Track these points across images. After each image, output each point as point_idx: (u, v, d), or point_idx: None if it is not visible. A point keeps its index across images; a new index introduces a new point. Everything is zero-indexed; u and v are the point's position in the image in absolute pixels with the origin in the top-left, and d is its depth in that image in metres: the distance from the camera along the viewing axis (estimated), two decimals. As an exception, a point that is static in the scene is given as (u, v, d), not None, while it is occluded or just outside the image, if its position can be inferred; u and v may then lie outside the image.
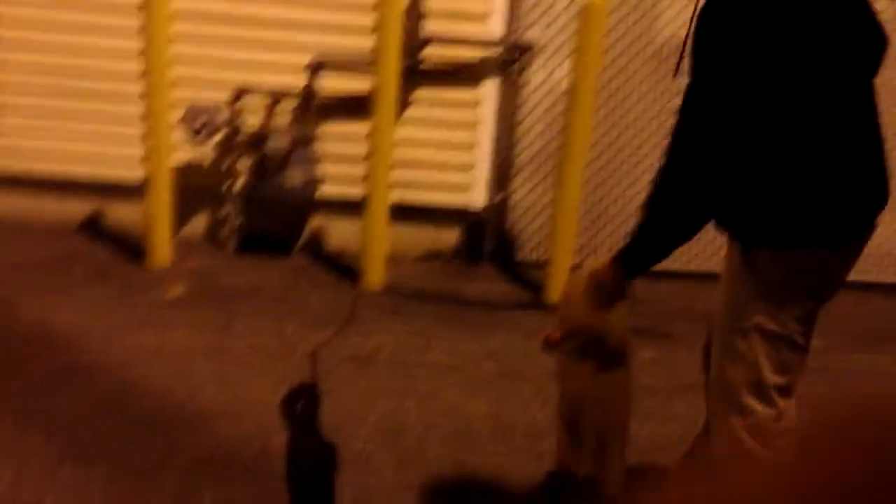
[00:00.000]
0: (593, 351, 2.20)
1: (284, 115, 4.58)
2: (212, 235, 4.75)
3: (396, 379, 3.36)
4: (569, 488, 2.40)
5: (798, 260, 1.92)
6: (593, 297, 2.15)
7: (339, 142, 4.57)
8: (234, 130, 4.52)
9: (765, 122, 1.85)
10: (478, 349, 3.67)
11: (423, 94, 4.57)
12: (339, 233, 4.71)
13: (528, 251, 4.76)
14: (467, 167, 4.69)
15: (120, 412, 2.94)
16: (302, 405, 3.10)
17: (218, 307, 3.91)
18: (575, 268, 4.08)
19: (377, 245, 4.25)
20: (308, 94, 4.53)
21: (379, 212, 4.22)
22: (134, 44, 4.15)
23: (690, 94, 1.89)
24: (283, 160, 4.43)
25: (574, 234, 4.31)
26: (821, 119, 1.85)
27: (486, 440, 2.97)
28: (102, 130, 4.59)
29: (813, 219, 1.91)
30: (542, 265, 4.43)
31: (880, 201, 1.96)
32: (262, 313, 3.89)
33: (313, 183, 4.54)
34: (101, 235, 4.62)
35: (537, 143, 4.63)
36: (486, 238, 4.75)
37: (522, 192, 4.71)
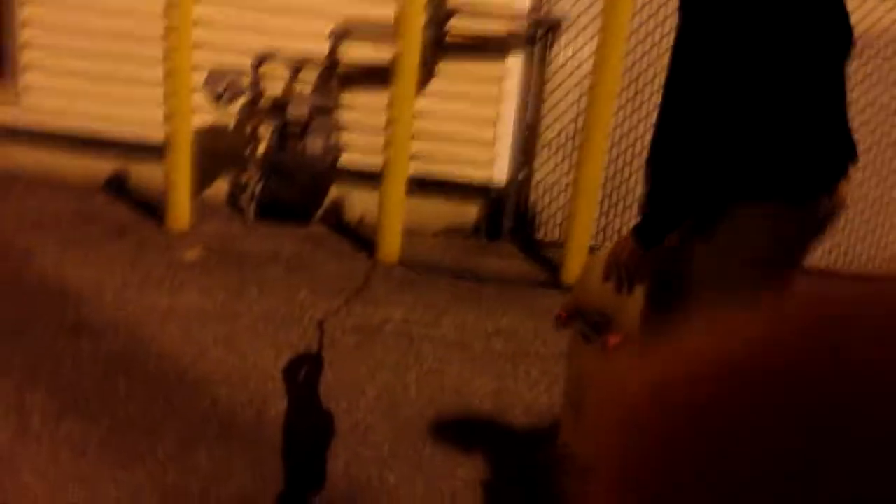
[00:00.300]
0: (602, 332, 2.17)
1: (306, 82, 4.57)
2: (231, 200, 4.77)
3: (401, 352, 3.36)
4: (564, 466, 2.38)
5: (777, 215, 1.92)
6: (611, 276, 2.12)
7: (361, 111, 4.55)
8: (256, 96, 4.52)
9: (747, 84, 1.84)
10: (488, 326, 3.65)
11: (447, 66, 4.53)
12: (358, 203, 4.70)
13: (547, 230, 4.73)
14: (490, 142, 4.65)
15: (125, 370, 2.98)
16: (305, 373, 3.12)
17: (232, 271, 3.93)
18: (594, 248, 4.05)
19: (394, 217, 4.24)
20: (331, 63, 4.51)
21: (397, 183, 4.20)
22: (160, 6, 4.16)
23: (679, 52, 1.89)
24: (304, 128, 4.42)
25: (594, 214, 4.26)
26: (797, 85, 1.87)
27: (485, 417, 2.96)
28: (128, 91, 4.62)
29: (788, 171, 1.92)
30: (560, 245, 4.39)
31: (845, 162, 1.98)
32: (276, 280, 3.91)
33: (334, 151, 4.53)
34: (123, 195, 4.66)
35: (561, 120, 4.57)
36: (505, 215, 4.71)
37: (544, 170, 4.66)
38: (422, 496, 2.50)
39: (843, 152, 1.99)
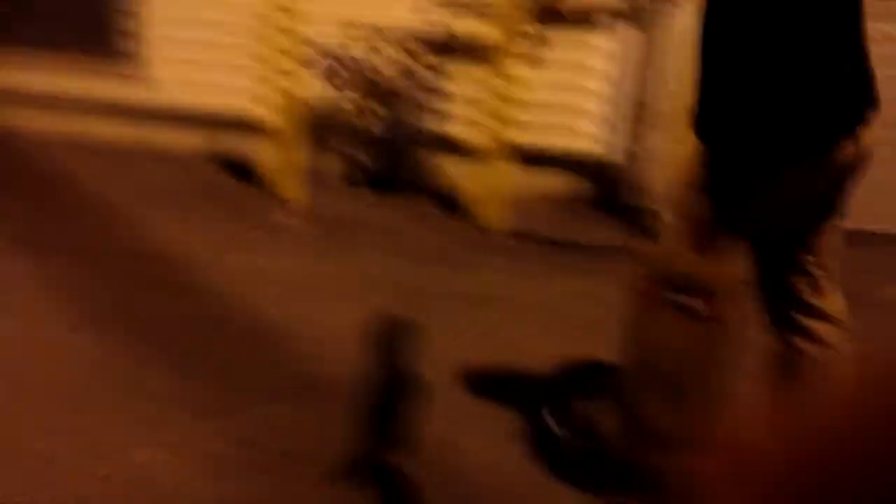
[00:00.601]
0: (694, 299, 2.04)
1: (408, 55, 4.56)
2: (339, 172, 4.82)
3: (495, 319, 3.30)
4: (644, 441, 2.27)
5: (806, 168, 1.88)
6: (690, 240, 2.00)
7: (466, 82, 4.51)
8: (360, 70, 4.55)
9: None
10: (587, 294, 3.54)
11: (556, 36, 4.42)
12: (462, 174, 4.67)
13: (648, 201, 4.55)
14: (597, 114, 4.52)
15: (218, 327, 3.05)
16: (393, 336, 3.10)
17: (331, 238, 3.99)
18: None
19: (497, 187, 4.19)
20: (435, 36, 4.49)
21: (501, 154, 4.16)
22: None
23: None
24: (406, 100, 4.42)
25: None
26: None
27: (569, 373, 2.87)
28: (240, 65, 4.74)
29: (808, 119, 1.84)
30: (658, 216, 4.22)
31: (864, 107, 1.87)
32: (375, 247, 3.93)
33: (439, 123, 4.52)
34: (233, 166, 4.81)
35: (667, 92, 4.38)
36: (612, 186, 4.57)
37: (652, 142, 4.49)
38: (496, 461, 2.44)
39: (862, 97, 1.88)
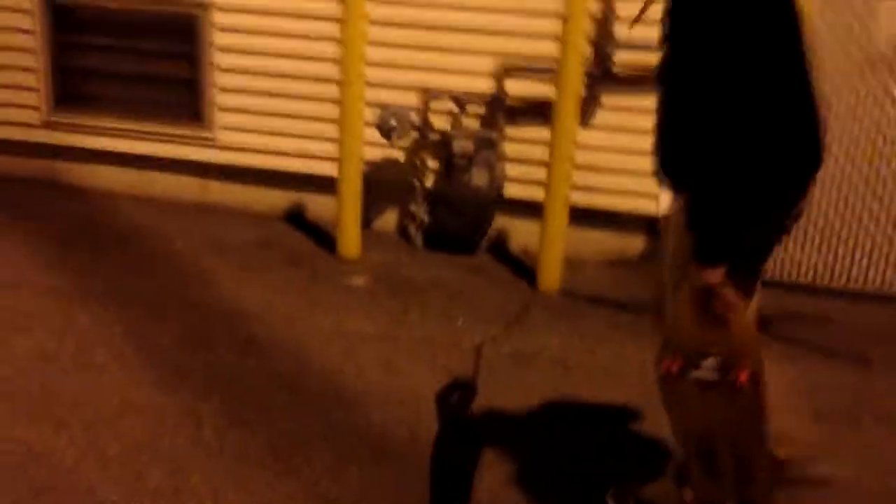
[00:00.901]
0: (718, 371, 2.02)
1: (471, 117, 4.69)
2: (399, 230, 4.95)
3: (556, 380, 3.35)
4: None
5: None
6: (700, 309, 2.00)
7: (523, 144, 4.62)
8: (424, 130, 4.68)
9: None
10: (645, 357, 3.56)
11: (610, 99, 4.52)
12: (520, 233, 4.75)
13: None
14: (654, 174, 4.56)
15: (288, 385, 3.15)
16: (457, 397, 3.15)
17: (396, 297, 4.08)
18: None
19: (555, 247, 4.25)
20: (494, 98, 4.62)
21: (558, 214, 4.22)
22: (334, 48, 4.43)
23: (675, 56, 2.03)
24: (469, 161, 4.53)
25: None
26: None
27: (630, 449, 2.89)
28: (306, 128, 4.93)
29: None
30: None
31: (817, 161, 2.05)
32: (437, 306, 4.01)
33: (497, 183, 4.61)
34: (300, 224, 4.96)
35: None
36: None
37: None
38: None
39: (815, 153, 2.04)
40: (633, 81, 4.46)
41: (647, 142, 4.49)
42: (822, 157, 2.05)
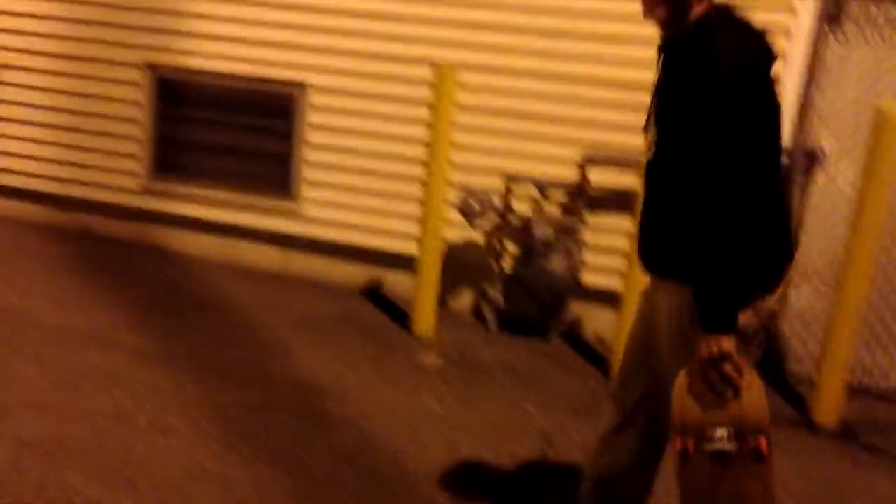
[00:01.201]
0: (733, 440, 2.01)
1: (552, 203, 4.72)
2: (474, 311, 4.97)
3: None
4: None
5: None
6: (708, 383, 2.01)
7: (603, 233, 4.61)
8: (505, 214, 4.73)
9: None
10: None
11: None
12: (596, 321, 4.71)
13: (798, 363, 4.43)
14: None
15: (352, 460, 3.15)
16: (526, 482, 3.11)
17: (466, 379, 4.07)
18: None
19: (630, 337, 4.18)
20: (576, 186, 4.65)
21: (635, 305, 4.15)
22: (422, 131, 4.55)
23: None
24: (548, 246, 4.54)
25: (850, 349, 3.94)
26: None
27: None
28: (388, 206, 5.05)
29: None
30: (812, 381, 4.09)
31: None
32: (507, 390, 3.99)
33: (575, 271, 4.60)
34: (376, 299, 5.03)
35: (819, 249, 4.33)
36: (753, 343, 4.47)
37: (799, 299, 4.41)
38: None
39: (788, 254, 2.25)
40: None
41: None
42: (794, 250, 2.31)
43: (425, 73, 4.48)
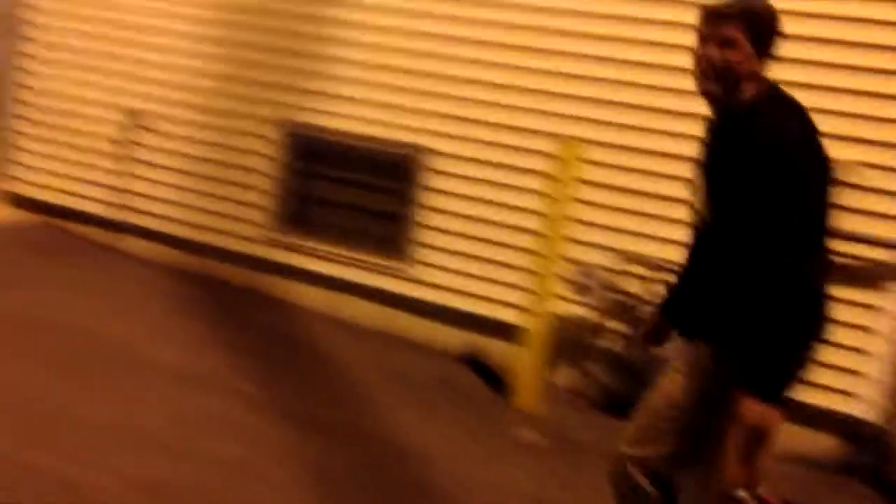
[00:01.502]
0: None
1: (663, 284, 4.65)
2: (576, 388, 4.91)
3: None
4: None
5: None
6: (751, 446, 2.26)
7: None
8: (616, 293, 4.69)
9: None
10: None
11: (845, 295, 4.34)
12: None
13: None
14: (854, 372, 4.30)
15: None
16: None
17: (565, 459, 4.01)
18: None
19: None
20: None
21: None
22: (538, 202, 4.59)
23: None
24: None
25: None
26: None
27: None
28: (497, 273, 5.11)
29: None
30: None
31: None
32: (604, 473, 3.89)
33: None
34: (482, 369, 5.06)
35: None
36: (864, 452, 4.26)
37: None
38: None
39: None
40: (869, 280, 4.29)
41: (849, 337, 4.29)
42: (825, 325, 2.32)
43: (544, 144, 4.54)
